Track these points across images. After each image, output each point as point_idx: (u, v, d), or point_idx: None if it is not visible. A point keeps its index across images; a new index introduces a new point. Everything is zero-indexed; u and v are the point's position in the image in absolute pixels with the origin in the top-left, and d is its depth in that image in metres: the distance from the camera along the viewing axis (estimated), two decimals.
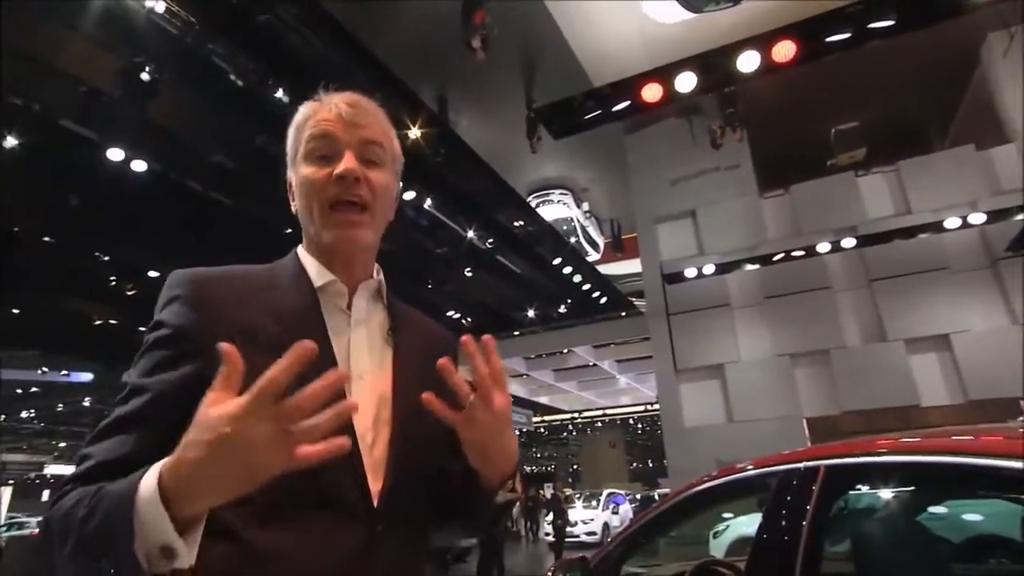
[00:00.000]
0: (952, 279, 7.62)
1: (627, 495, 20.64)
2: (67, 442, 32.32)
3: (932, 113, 9.70)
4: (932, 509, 1.73)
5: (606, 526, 15.94)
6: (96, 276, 12.96)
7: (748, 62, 5.93)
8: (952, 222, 7.26)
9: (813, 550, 1.30)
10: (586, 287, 17.01)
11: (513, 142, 9.49)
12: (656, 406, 16.54)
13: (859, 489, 1.54)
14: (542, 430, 37.01)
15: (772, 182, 9.12)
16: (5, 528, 17.07)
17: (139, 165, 8.57)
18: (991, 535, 1.87)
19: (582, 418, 32.49)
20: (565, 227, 14.48)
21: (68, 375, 19.59)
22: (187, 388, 0.67)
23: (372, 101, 0.93)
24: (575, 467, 43.72)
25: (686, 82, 6.22)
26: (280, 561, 0.71)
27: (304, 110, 0.91)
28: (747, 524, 5.03)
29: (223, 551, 0.67)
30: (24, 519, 18.98)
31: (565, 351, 19.39)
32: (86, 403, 24.78)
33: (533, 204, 13.70)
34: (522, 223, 14.06)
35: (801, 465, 1.47)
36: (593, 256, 16.28)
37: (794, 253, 7.99)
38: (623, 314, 17.26)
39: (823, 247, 7.83)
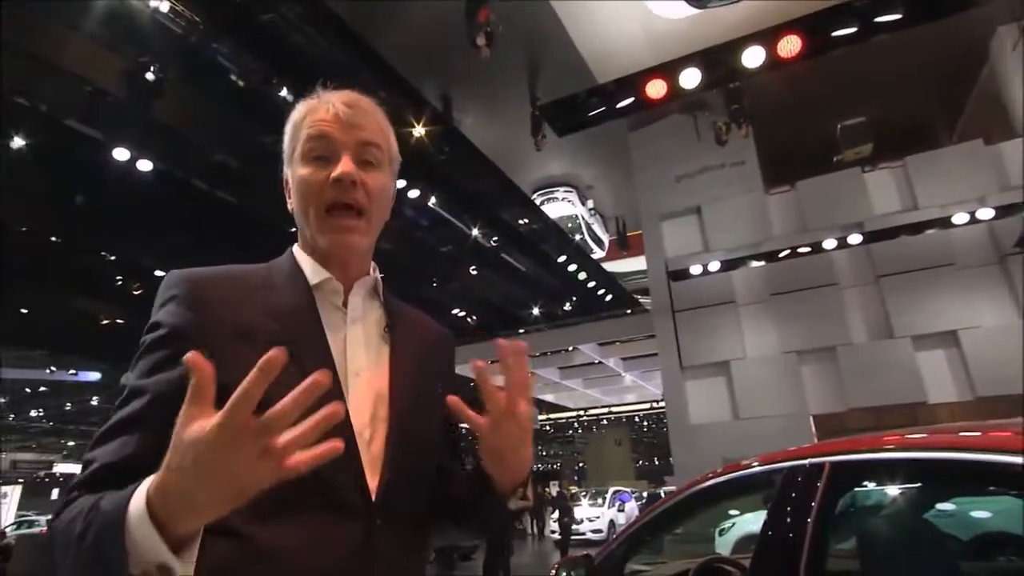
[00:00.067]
0: (960, 275, 7.55)
1: (633, 493, 20.62)
2: (76, 441, 32.52)
3: (940, 108, 9.62)
4: (940, 506, 1.72)
5: (612, 524, 15.94)
6: (103, 276, 13.03)
7: (753, 58, 5.91)
8: (960, 218, 7.21)
9: (818, 547, 1.29)
10: (591, 284, 16.99)
11: (517, 140, 9.47)
12: (662, 404, 16.52)
13: (865, 486, 1.53)
14: (547, 428, 36.96)
15: (778, 178, 9.07)
16: (15, 526, 17.24)
17: (144, 165, 8.60)
18: (1000, 532, 1.85)
19: (587, 416, 32.40)
20: (570, 224, 14.45)
21: (76, 374, 19.71)
22: (186, 387, 0.66)
23: (371, 100, 0.93)
24: (581, 465, 43.69)
25: (691, 78, 6.20)
26: (279, 557, 0.70)
27: (302, 108, 0.90)
28: (753, 521, 5.01)
29: (222, 547, 0.67)
30: (33, 517, 19.18)
31: (570, 349, 19.36)
32: (94, 402, 24.92)
33: (538, 202, 13.67)
34: (527, 221, 14.05)
35: (806, 462, 1.46)
36: (598, 253, 16.23)
37: (800, 250, 7.95)
38: (628, 311, 17.23)
39: (829, 243, 7.79)
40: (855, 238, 7.70)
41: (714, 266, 8.29)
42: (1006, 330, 7.07)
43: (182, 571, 0.57)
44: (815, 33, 5.71)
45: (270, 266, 0.91)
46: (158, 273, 12.50)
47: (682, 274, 8.52)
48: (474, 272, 14.70)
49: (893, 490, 1.48)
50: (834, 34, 5.64)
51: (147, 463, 0.61)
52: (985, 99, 8.56)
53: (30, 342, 16.12)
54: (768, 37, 5.83)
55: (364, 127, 0.88)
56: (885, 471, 1.40)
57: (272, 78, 7.70)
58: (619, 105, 6.54)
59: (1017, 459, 1.04)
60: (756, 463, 1.72)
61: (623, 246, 14.90)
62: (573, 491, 20.07)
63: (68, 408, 26.23)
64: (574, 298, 18.08)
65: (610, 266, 16.89)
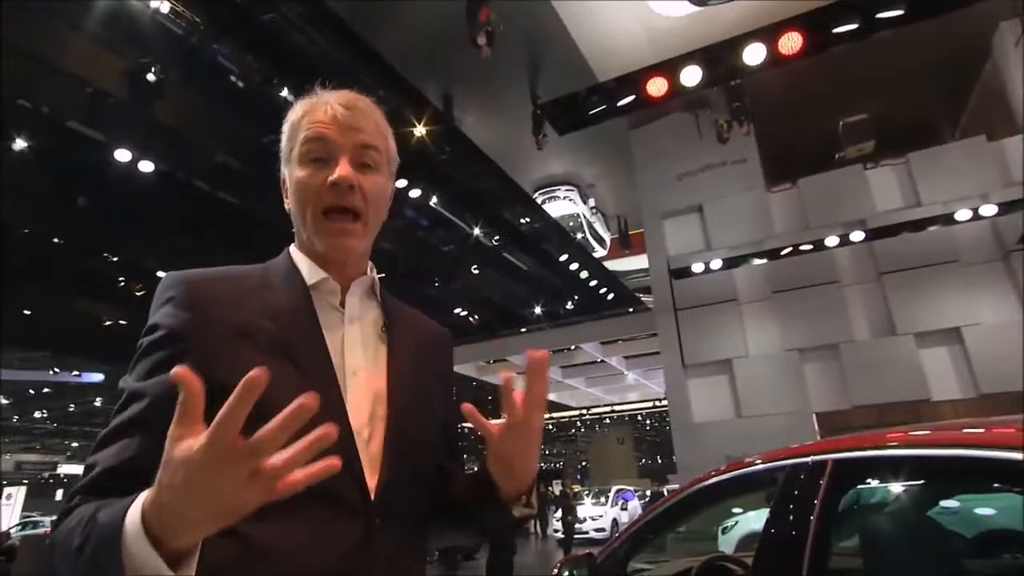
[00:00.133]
0: (963, 272, 7.54)
1: (636, 491, 20.61)
2: (80, 442, 32.61)
3: (942, 104, 9.60)
4: (943, 503, 1.71)
5: (615, 522, 15.94)
6: (105, 277, 13.06)
7: (754, 55, 5.89)
8: (963, 214, 7.20)
9: (821, 545, 1.29)
10: (593, 283, 16.95)
11: (518, 139, 9.46)
12: (664, 402, 16.50)
13: (868, 483, 1.52)
14: (550, 427, 36.97)
15: (779, 176, 9.06)
16: (19, 527, 17.29)
17: (146, 166, 8.60)
18: (1004, 529, 1.84)
19: (590, 414, 32.42)
20: (571, 223, 14.42)
21: (79, 375, 19.74)
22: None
23: (369, 100, 0.92)
24: (584, 463, 43.72)
25: (691, 76, 6.19)
26: (279, 555, 0.70)
27: (300, 108, 0.90)
28: (756, 519, 5.01)
29: (221, 546, 0.66)
30: (38, 518, 19.21)
31: (572, 348, 19.36)
32: (97, 403, 24.98)
33: (539, 200, 13.65)
34: (528, 220, 14.03)
35: (809, 459, 1.46)
36: (600, 252, 16.20)
37: (802, 247, 7.94)
38: (630, 310, 17.22)
39: (831, 241, 7.78)
40: (857, 235, 7.69)
41: (716, 264, 8.28)
42: (1009, 327, 7.05)
43: None
44: (816, 30, 5.70)
45: (267, 266, 0.90)
46: (160, 274, 12.27)
47: (684, 272, 8.51)
48: (476, 271, 14.69)
49: (896, 487, 1.47)
50: (835, 31, 5.62)
51: (148, 467, 0.60)
52: (988, 95, 8.54)
53: (33, 344, 16.15)
54: (769, 34, 5.82)
55: (362, 129, 0.88)
56: (888, 468, 1.39)
57: (273, 78, 7.69)
58: (620, 103, 6.53)
59: (1021, 456, 1.03)
60: (759, 461, 1.72)
61: (625, 244, 14.87)
62: (576, 490, 20.04)
63: (72, 409, 26.31)
64: (576, 297, 18.05)
65: (612, 265, 16.86)
